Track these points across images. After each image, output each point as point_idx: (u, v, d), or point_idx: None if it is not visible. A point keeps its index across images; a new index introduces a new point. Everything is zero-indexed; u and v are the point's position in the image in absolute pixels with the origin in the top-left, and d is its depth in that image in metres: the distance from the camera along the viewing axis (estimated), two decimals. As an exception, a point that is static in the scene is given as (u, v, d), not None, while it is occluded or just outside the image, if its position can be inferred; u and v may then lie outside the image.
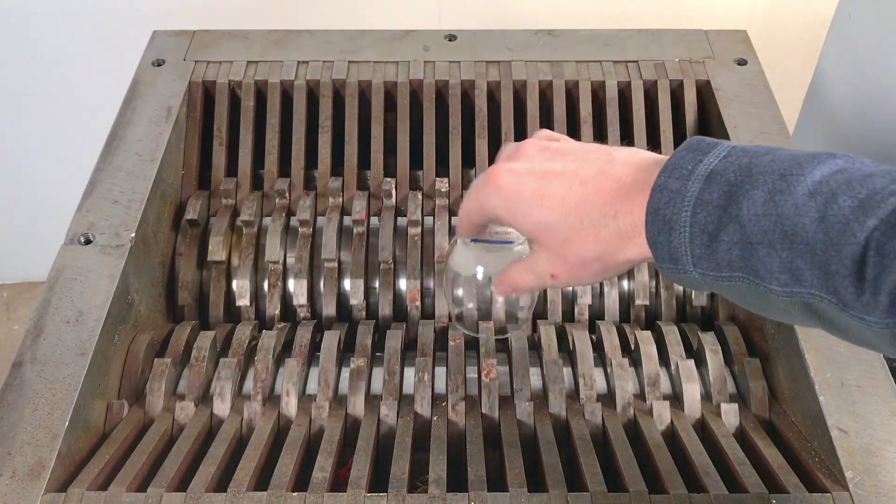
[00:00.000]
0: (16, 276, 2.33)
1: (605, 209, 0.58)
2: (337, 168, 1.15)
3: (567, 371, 0.94)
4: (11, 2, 1.69)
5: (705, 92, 1.17)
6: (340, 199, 1.11)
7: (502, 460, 0.81)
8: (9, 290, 2.34)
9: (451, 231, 1.09)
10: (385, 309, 1.05)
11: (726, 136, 1.08)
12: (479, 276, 0.80)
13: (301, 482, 0.79)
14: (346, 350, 0.99)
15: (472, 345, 0.99)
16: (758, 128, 1.09)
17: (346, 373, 0.94)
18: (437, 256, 1.05)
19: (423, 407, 0.88)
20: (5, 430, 0.79)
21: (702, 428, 0.88)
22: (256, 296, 1.07)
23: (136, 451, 0.82)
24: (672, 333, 0.97)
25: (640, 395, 0.92)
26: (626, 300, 1.08)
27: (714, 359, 0.92)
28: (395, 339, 0.95)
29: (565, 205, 0.60)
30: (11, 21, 1.72)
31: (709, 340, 0.95)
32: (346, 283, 1.07)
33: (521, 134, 1.15)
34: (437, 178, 1.12)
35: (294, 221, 1.10)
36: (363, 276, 1.05)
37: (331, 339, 0.95)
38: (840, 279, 0.47)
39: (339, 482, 0.82)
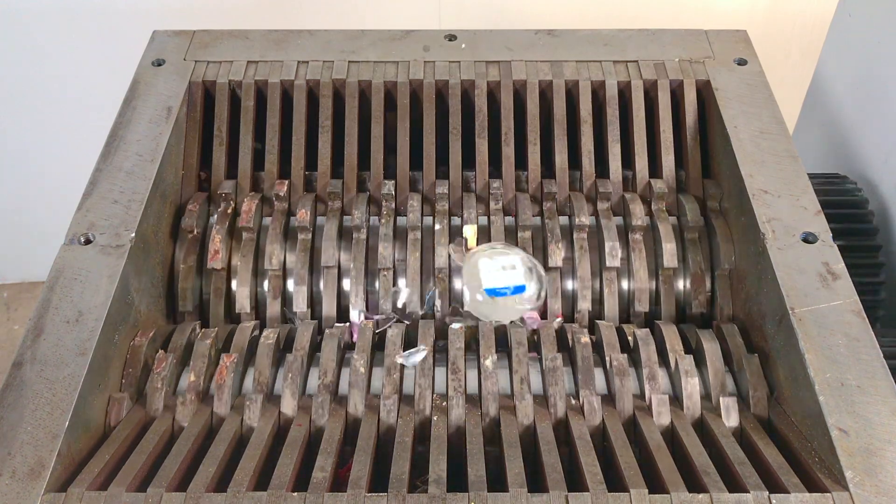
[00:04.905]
0: (16, 276, 2.33)
1: None
2: (337, 168, 1.15)
3: (567, 371, 0.94)
4: (12, 1, 1.69)
5: (705, 92, 1.17)
6: (339, 203, 1.11)
7: (502, 460, 0.81)
8: (9, 290, 2.34)
9: (451, 233, 1.09)
10: (386, 310, 1.05)
11: (726, 136, 1.08)
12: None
13: (301, 482, 0.79)
14: (346, 350, 0.99)
15: (471, 344, 0.99)
16: (758, 128, 1.09)
17: (346, 373, 0.94)
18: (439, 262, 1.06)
19: (423, 407, 0.88)
20: (5, 430, 0.79)
21: (701, 427, 0.88)
22: (256, 300, 1.07)
23: (136, 451, 0.82)
24: (670, 330, 0.97)
25: (640, 395, 0.92)
26: (625, 301, 1.08)
27: (713, 354, 0.92)
28: (395, 339, 0.95)
29: None
30: (11, 20, 1.72)
31: (707, 337, 0.95)
32: (345, 284, 1.07)
33: (521, 134, 1.15)
34: (437, 181, 1.12)
35: (293, 222, 1.10)
36: (363, 282, 1.05)
37: (331, 340, 0.95)
38: None
39: (339, 482, 0.82)
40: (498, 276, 1.00)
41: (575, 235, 1.08)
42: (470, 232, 1.06)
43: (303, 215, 1.07)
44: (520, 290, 1.00)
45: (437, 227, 1.07)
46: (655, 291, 1.08)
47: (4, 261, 2.28)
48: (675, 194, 1.12)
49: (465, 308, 1.03)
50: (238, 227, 1.08)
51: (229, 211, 1.10)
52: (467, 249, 1.05)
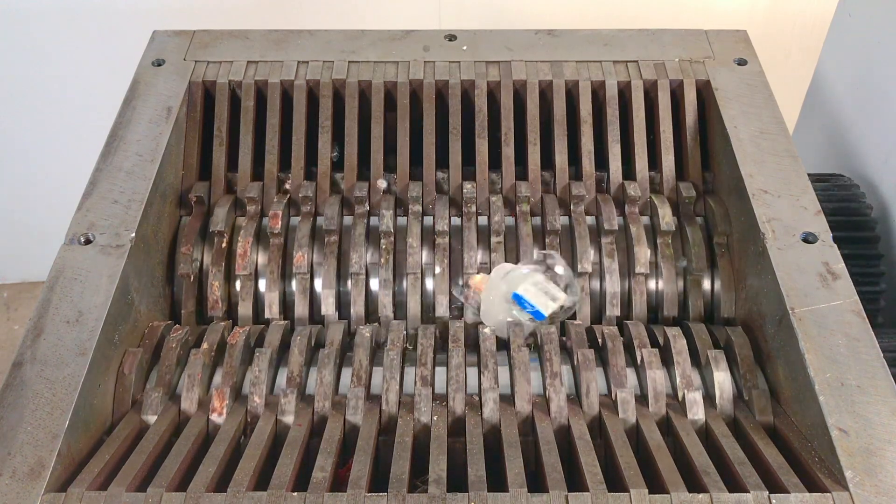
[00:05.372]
0: (16, 276, 2.34)
1: None
2: (336, 170, 1.15)
3: (567, 371, 0.94)
4: (12, 1, 1.69)
5: (705, 92, 1.17)
6: (337, 238, 1.08)
7: (502, 460, 0.81)
8: (9, 290, 2.34)
9: (452, 239, 1.09)
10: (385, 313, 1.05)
11: (726, 136, 1.08)
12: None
13: (301, 482, 0.79)
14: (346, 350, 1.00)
15: (471, 343, 0.99)
16: (758, 128, 1.09)
17: (346, 373, 0.94)
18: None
19: (423, 407, 0.88)
20: (5, 430, 0.79)
21: (706, 432, 0.88)
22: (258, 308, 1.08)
23: (136, 451, 0.82)
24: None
25: (642, 396, 0.92)
26: (624, 304, 1.08)
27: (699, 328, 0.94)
28: (395, 338, 0.95)
29: None
30: (11, 20, 1.72)
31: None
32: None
33: (521, 134, 1.15)
34: (438, 197, 1.11)
35: (294, 226, 1.10)
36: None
37: (332, 339, 0.95)
38: None
39: (339, 482, 0.82)
40: (535, 294, 0.99)
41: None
42: (474, 286, 1.04)
43: (300, 259, 1.05)
44: (538, 316, 0.99)
45: (437, 269, 1.05)
46: (627, 294, 1.07)
47: (4, 261, 2.28)
48: (680, 227, 1.09)
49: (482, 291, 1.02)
50: (235, 273, 1.06)
51: (224, 245, 1.07)
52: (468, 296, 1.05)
